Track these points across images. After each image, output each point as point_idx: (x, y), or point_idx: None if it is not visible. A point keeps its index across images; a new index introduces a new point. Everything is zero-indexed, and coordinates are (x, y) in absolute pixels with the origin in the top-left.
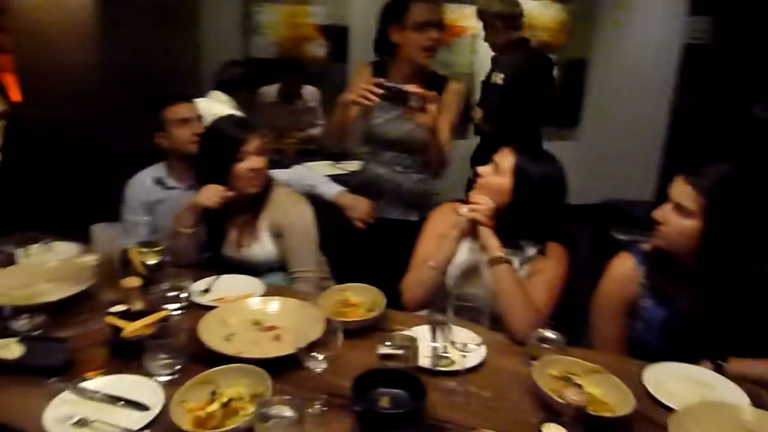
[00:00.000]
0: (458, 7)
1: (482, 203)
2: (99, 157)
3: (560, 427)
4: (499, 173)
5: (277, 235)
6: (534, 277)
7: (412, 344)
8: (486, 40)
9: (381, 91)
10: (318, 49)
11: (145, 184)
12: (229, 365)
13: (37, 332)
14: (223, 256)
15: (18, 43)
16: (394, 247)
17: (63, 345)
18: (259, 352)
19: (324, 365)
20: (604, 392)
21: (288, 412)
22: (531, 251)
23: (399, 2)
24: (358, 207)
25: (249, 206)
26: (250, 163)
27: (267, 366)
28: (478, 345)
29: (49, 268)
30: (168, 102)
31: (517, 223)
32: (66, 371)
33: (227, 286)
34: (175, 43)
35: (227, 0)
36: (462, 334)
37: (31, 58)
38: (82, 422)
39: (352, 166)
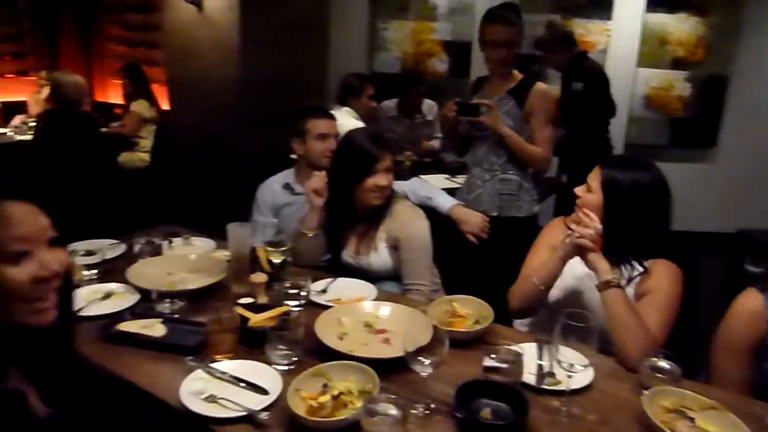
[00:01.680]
0: (584, 22)
1: (589, 226)
2: (235, 161)
3: None
4: (591, 191)
5: (394, 247)
6: (644, 298)
7: (517, 359)
8: (550, 64)
9: (455, 108)
10: (439, 64)
11: (274, 189)
12: (341, 361)
13: (176, 315)
14: (342, 261)
15: (169, 57)
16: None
17: (199, 329)
18: (369, 352)
19: (429, 370)
20: (720, 431)
21: (393, 410)
22: (637, 270)
23: (481, 25)
24: (472, 221)
25: (369, 216)
26: (379, 179)
27: (375, 366)
28: (585, 366)
29: (190, 260)
30: (314, 114)
31: (618, 239)
32: (200, 352)
33: (343, 288)
34: (306, 58)
35: (356, 17)
36: (569, 354)
37: (180, 70)
38: (210, 398)
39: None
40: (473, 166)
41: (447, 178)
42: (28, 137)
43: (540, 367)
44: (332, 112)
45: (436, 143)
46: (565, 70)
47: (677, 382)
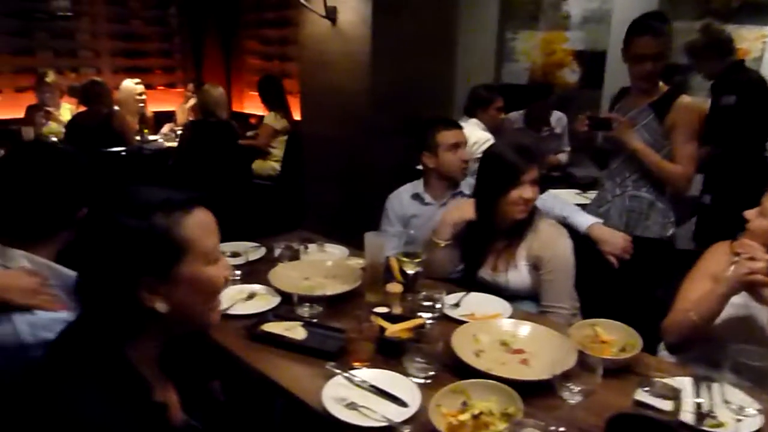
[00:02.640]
0: (736, 28)
1: (758, 259)
2: (364, 171)
3: None
4: (766, 216)
5: (535, 266)
6: None
7: (676, 395)
8: (700, 71)
9: (587, 122)
10: (570, 74)
11: (403, 199)
12: (481, 380)
13: (315, 320)
14: (477, 276)
15: (302, 70)
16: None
17: (337, 334)
18: (508, 373)
19: (579, 398)
20: None
21: None
22: None
23: (627, 37)
24: (613, 241)
25: (510, 231)
26: (525, 192)
27: (515, 387)
28: (757, 411)
29: (326, 266)
30: (443, 125)
31: None
32: (339, 358)
33: (476, 303)
34: (435, 69)
35: (485, 28)
36: (737, 395)
37: (312, 82)
38: (351, 406)
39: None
40: (607, 179)
41: (578, 194)
42: (175, 144)
43: (698, 405)
44: (460, 122)
45: (563, 157)
46: (716, 80)
47: None
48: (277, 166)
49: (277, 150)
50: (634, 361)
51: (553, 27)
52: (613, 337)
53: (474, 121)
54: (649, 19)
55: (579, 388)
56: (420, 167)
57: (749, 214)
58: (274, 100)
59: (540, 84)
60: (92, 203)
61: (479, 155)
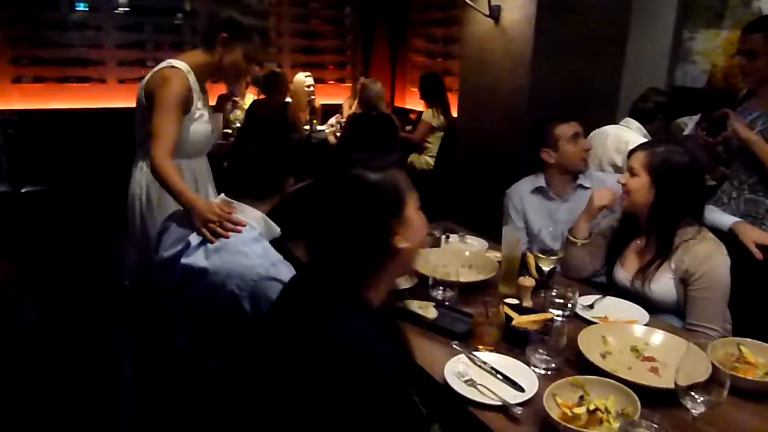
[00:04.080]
0: None
1: None
2: (517, 168)
3: None
4: None
5: (683, 281)
6: None
7: None
8: None
9: (703, 133)
10: None
11: (522, 194)
12: (602, 378)
13: (447, 302)
14: (616, 281)
15: (464, 68)
16: None
17: (466, 318)
18: (634, 377)
19: (702, 409)
20: None
21: None
22: None
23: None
24: (755, 231)
25: (659, 239)
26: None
27: (638, 392)
28: None
29: (464, 256)
30: (558, 120)
31: None
32: (465, 339)
33: (612, 307)
34: (599, 69)
35: (659, 27)
36: None
37: (473, 80)
38: (470, 382)
39: None
40: (728, 181)
41: None
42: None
43: None
44: (621, 124)
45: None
46: None
47: None
48: (431, 160)
49: (433, 145)
50: None
51: (740, 26)
52: (761, 360)
53: (637, 125)
54: (766, 18)
55: (702, 399)
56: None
57: None
58: (434, 97)
59: (720, 89)
60: (296, 174)
61: None
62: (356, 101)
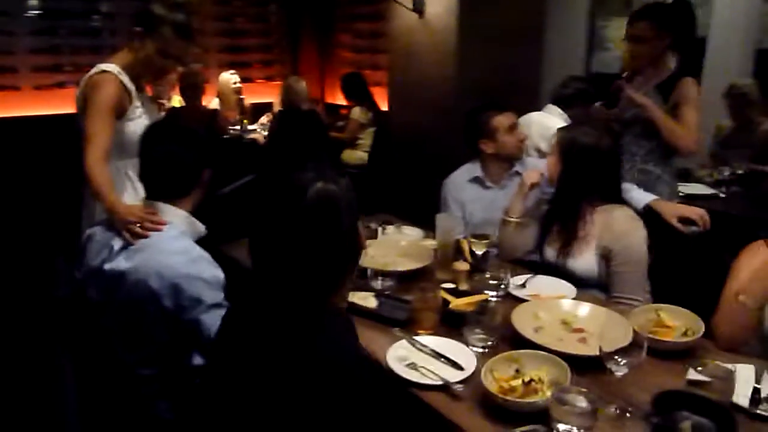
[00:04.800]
0: None
1: None
2: (449, 158)
3: None
4: None
5: (605, 257)
6: None
7: (728, 376)
8: None
9: (603, 109)
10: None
11: (459, 183)
12: (535, 350)
13: (387, 292)
14: (544, 258)
15: (391, 62)
16: None
17: (405, 305)
18: (564, 348)
19: (624, 371)
20: None
21: (583, 403)
22: None
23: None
24: (693, 210)
25: (565, 215)
26: None
27: (569, 362)
28: None
29: (401, 246)
30: (495, 110)
31: None
32: (406, 325)
33: (543, 285)
34: (520, 58)
35: (573, 17)
36: None
37: (401, 73)
38: (412, 365)
39: (689, 188)
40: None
41: None
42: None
43: (756, 390)
44: (543, 111)
45: None
46: None
47: None
48: (365, 155)
49: (365, 140)
50: (697, 347)
51: None
52: (677, 323)
53: (558, 111)
54: (651, 6)
55: (625, 361)
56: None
57: None
58: (358, 95)
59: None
60: (213, 166)
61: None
62: (280, 101)
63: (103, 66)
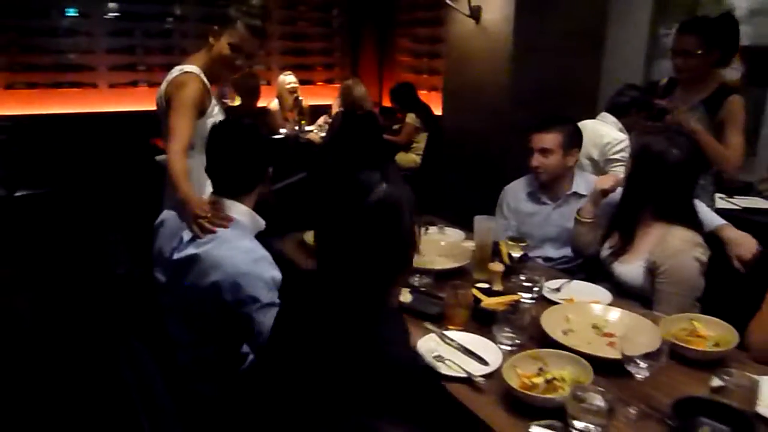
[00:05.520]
0: None
1: None
2: (501, 164)
3: None
4: None
5: (651, 271)
6: None
7: (752, 385)
8: None
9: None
10: (732, 72)
11: (518, 194)
12: (559, 351)
13: (422, 288)
14: (601, 257)
15: (448, 67)
16: None
17: (439, 301)
18: (591, 351)
19: (645, 374)
20: None
21: (599, 402)
22: None
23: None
24: (745, 244)
25: (622, 223)
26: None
27: (594, 363)
28: None
29: (440, 245)
30: (534, 128)
31: None
32: (438, 320)
33: (578, 290)
34: (579, 66)
35: (635, 24)
36: None
37: (456, 78)
38: (439, 358)
39: (747, 202)
40: None
41: (722, 198)
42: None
43: None
44: (597, 118)
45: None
46: None
47: None
48: (418, 158)
49: (419, 144)
50: (728, 358)
51: None
52: (711, 333)
53: (612, 120)
54: (700, 20)
55: (646, 365)
56: None
57: None
58: (409, 105)
59: None
60: (274, 163)
61: (612, 156)
62: (340, 103)
63: (186, 67)
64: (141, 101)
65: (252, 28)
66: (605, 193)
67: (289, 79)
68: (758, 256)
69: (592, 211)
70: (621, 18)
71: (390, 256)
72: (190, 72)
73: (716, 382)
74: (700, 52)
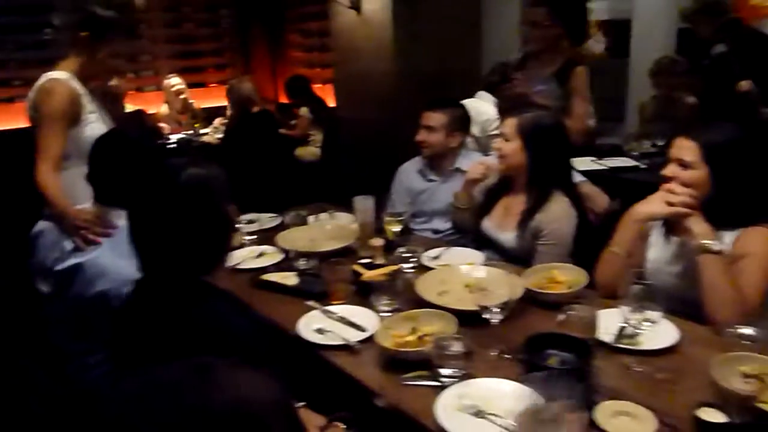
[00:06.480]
0: None
1: (678, 193)
2: (394, 149)
3: (718, 412)
4: (689, 166)
5: (534, 236)
6: (739, 262)
7: (591, 316)
8: (697, 35)
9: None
10: (596, 45)
11: (410, 173)
12: (429, 309)
13: (310, 271)
14: (482, 228)
15: (336, 59)
16: None
17: (321, 279)
18: (457, 306)
19: (499, 317)
20: None
21: (459, 347)
22: (731, 237)
23: None
24: (598, 200)
25: (537, 196)
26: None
27: (460, 317)
28: (652, 324)
29: (327, 229)
30: (426, 107)
31: (726, 207)
32: (321, 298)
33: (456, 256)
34: (459, 50)
35: (507, 4)
36: (654, 317)
37: (344, 69)
38: (320, 330)
39: (615, 162)
40: None
41: (592, 160)
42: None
43: (622, 328)
44: (475, 97)
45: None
46: (711, 38)
47: (762, 349)
48: (318, 151)
49: (316, 136)
50: (580, 297)
51: None
52: (567, 278)
53: (489, 97)
54: None
55: (498, 309)
56: None
57: (669, 171)
58: (303, 96)
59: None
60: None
61: (492, 132)
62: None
63: (53, 74)
64: (19, 118)
65: (124, 30)
66: (475, 181)
67: (173, 81)
68: (609, 210)
69: (467, 198)
70: (494, 1)
71: (203, 236)
72: (57, 79)
73: (561, 317)
74: (547, 23)
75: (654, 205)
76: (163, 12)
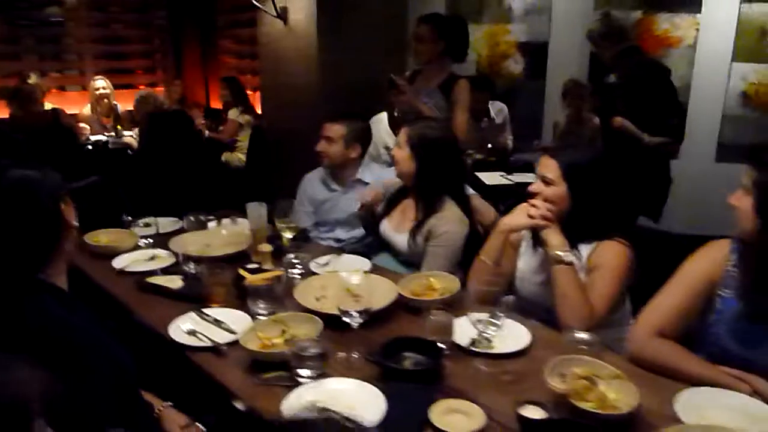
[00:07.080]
0: (670, 17)
1: (539, 206)
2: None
3: (538, 409)
4: (551, 183)
5: (426, 238)
6: (590, 274)
7: (447, 321)
8: (600, 57)
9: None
10: (514, 65)
11: (314, 183)
12: (298, 312)
13: (197, 274)
14: (380, 231)
15: (263, 67)
16: None
17: (202, 283)
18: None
19: (359, 321)
20: (619, 398)
21: (315, 350)
22: (587, 250)
23: None
24: (486, 214)
25: (425, 203)
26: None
27: (334, 322)
28: (496, 328)
29: (223, 235)
30: (327, 119)
31: (584, 221)
32: (201, 301)
33: (344, 263)
34: (384, 62)
35: None
36: (511, 324)
37: (271, 78)
38: (192, 332)
39: (522, 177)
40: None
41: (501, 176)
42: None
43: (479, 332)
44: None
45: (509, 143)
46: (609, 63)
47: (598, 354)
48: (243, 157)
49: (243, 142)
50: (456, 304)
51: (496, 20)
52: (442, 286)
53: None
54: (435, 14)
55: (356, 314)
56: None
57: (535, 187)
58: (236, 98)
59: (479, 77)
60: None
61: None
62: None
63: None
64: None
65: None
66: (365, 207)
67: (98, 84)
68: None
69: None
70: (420, 13)
71: (30, 235)
72: None
73: (424, 323)
74: (431, 39)
75: (517, 217)
76: (88, 11)
